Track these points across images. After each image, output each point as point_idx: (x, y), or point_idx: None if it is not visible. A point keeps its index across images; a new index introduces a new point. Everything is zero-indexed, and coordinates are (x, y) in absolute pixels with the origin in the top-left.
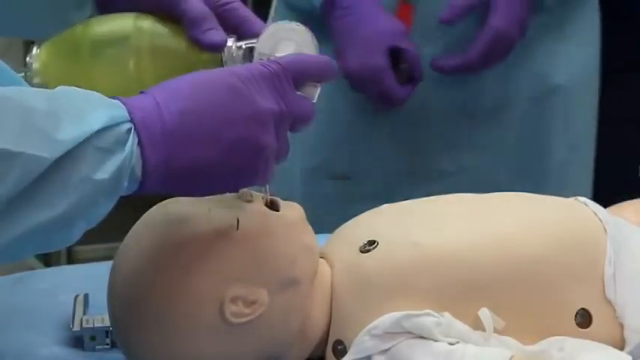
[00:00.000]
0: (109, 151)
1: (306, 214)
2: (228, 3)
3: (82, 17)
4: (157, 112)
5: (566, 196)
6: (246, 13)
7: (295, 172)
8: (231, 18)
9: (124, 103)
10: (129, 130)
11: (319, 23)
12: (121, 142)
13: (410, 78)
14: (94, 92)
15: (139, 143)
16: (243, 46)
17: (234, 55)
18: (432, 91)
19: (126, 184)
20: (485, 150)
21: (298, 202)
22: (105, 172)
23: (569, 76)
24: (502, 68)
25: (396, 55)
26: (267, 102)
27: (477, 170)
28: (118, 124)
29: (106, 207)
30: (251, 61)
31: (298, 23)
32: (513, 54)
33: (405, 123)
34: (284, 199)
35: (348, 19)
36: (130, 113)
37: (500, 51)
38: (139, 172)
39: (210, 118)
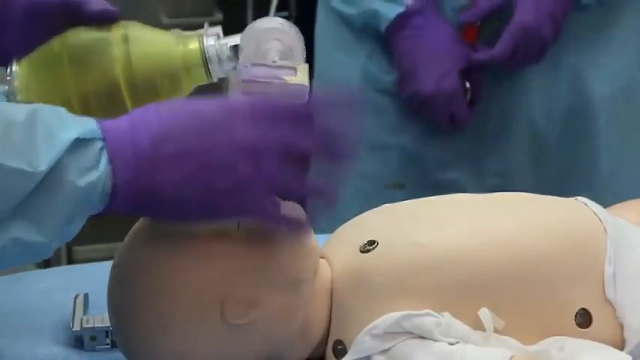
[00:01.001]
0: (83, 168)
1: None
2: None
3: None
4: (131, 133)
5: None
6: None
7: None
8: None
9: (97, 122)
10: (102, 148)
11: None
12: (96, 159)
13: (471, 98)
14: (65, 111)
15: (110, 162)
16: (229, 44)
17: (217, 53)
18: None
19: (96, 200)
20: (531, 159)
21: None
22: (80, 185)
23: (611, 86)
24: (543, 70)
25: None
26: (250, 134)
27: (522, 180)
28: (91, 140)
29: (79, 223)
30: (234, 60)
31: (282, 20)
32: (553, 60)
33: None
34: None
35: (418, 39)
36: (102, 131)
37: (529, 47)
38: (108, 189)
39: (181, 144)
